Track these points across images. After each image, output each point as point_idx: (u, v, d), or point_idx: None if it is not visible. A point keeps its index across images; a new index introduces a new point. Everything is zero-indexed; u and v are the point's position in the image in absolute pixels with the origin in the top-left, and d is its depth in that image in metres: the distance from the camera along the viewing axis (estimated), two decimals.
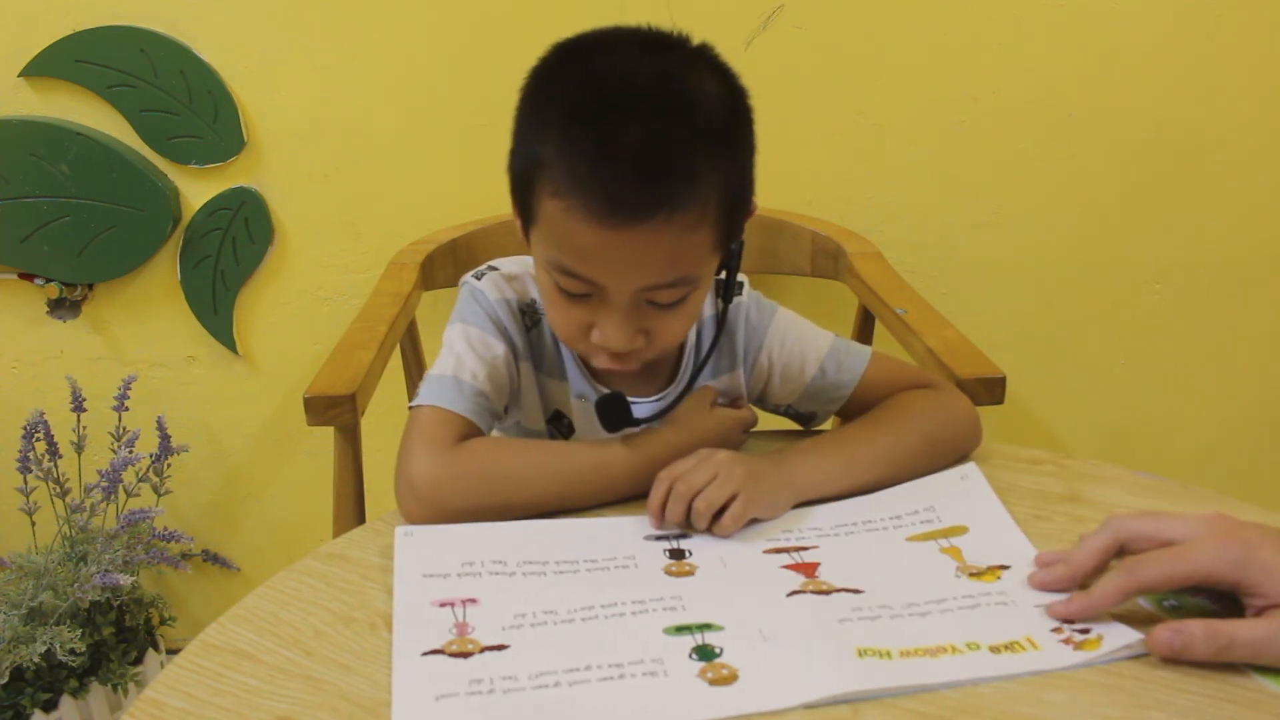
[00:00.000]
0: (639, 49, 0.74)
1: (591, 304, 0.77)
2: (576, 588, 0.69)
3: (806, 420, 0.95)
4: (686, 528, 0.76)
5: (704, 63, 0.75)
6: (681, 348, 0.91)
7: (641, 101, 0.70)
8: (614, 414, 0.83)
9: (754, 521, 0.76)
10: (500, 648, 0.62)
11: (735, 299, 0.90)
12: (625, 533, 0.76)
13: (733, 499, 0.75)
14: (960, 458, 0.85)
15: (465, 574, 0.70)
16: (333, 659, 0.62)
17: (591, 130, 0.70)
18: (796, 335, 0.92)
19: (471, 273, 0.90)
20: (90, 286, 1.53)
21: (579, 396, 0.89)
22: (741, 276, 0.92)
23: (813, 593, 0.67)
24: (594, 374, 0.89)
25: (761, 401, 0.95)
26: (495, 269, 0.90)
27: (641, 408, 0.89)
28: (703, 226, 0.73)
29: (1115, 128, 1.48)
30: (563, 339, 0.84)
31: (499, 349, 0.86)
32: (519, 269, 0.90)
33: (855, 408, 0.90)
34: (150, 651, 1.50)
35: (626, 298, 0.75)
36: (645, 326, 0.77)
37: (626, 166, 0.69)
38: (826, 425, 0.95)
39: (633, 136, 0.69)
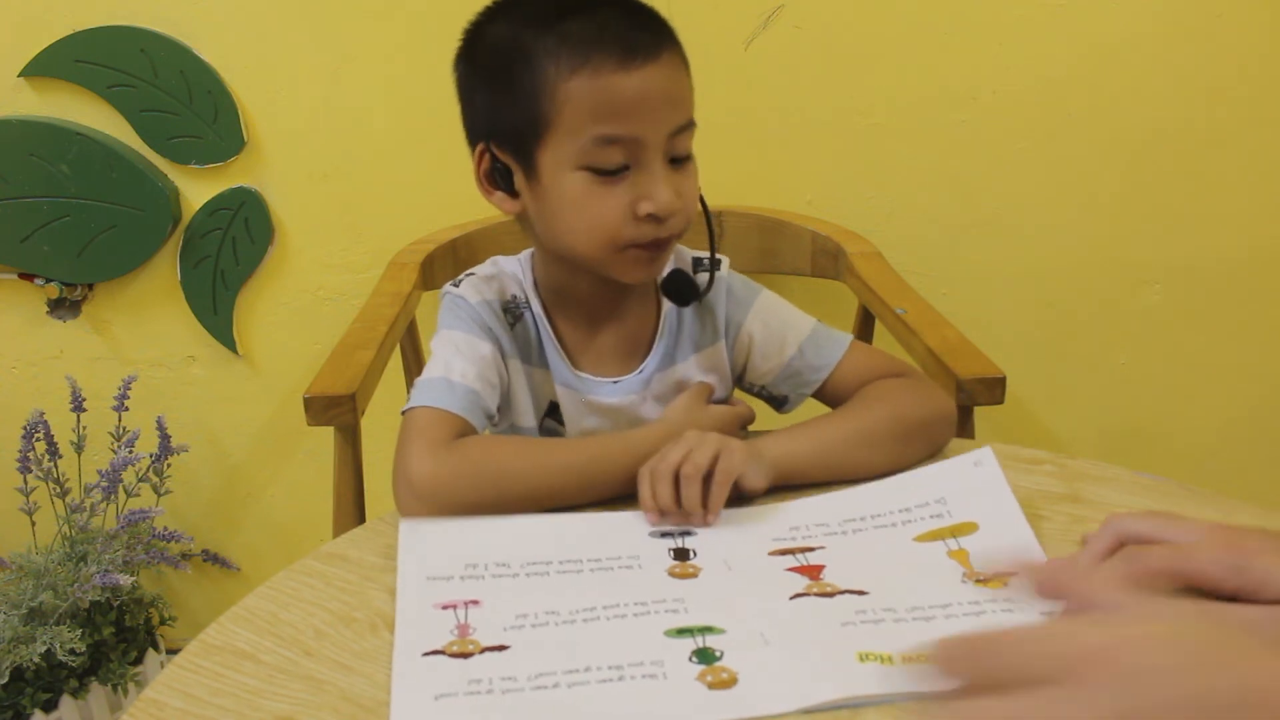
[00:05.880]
0: None
1: (628, 179, 0.80)
2: (579, 587, 0.69)
3: (779, 404, 0.96)
4: (680, 516, 0.76)
5: None
6: (655, 323, 0.92)
7: None
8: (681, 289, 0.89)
9: (750, 504, 0.76)
10: (500, 648, 0.62)
11: (716, 274, 0.93)
12: (631, 530, 0.76)
13: (715, 461, 0.76)
14: (933, 446, 0.85)
15: (469, 576, 0.70)
16: (333, 659, 0.62)
17: (583, 14, 0.79)
18: (779, 316, 0.94)
19: (449, 282, 0.92)
20: (90, 286, 1.53)
21: (562, 384, 0.91)
22: (722, 255, 0.94)
23: (816, 595, 0.67)
24: (574, 361, 0.91)
25: (740, 380, 0.96)
26: (471, 274, 0.92)
27: (621, 385, 0.90)
28: (689, 74, 0.83)
29: (1115, 128, 1.48)
30: (606, 239, 0.82)
31: (485, 349, 0.87)
32: (493, 269, 0.93)
33: (831, 395, 0.92)
34: (150, 651, 1.50)
35: (661, 148, 0.80)
36: (676, 188, 0.81)
37: (624, 23, 0.80)
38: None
39: (609, 10, 0.80)
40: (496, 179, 0.86)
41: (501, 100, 0.82)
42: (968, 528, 0.74)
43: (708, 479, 0.76)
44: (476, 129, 0.86)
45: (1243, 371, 1.61)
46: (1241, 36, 1.43)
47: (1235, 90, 1.46)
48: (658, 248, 0.83)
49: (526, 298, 0.91)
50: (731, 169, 1.45)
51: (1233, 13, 1.42)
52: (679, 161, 0.82)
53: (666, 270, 0.90)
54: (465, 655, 0.62)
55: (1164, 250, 1.54)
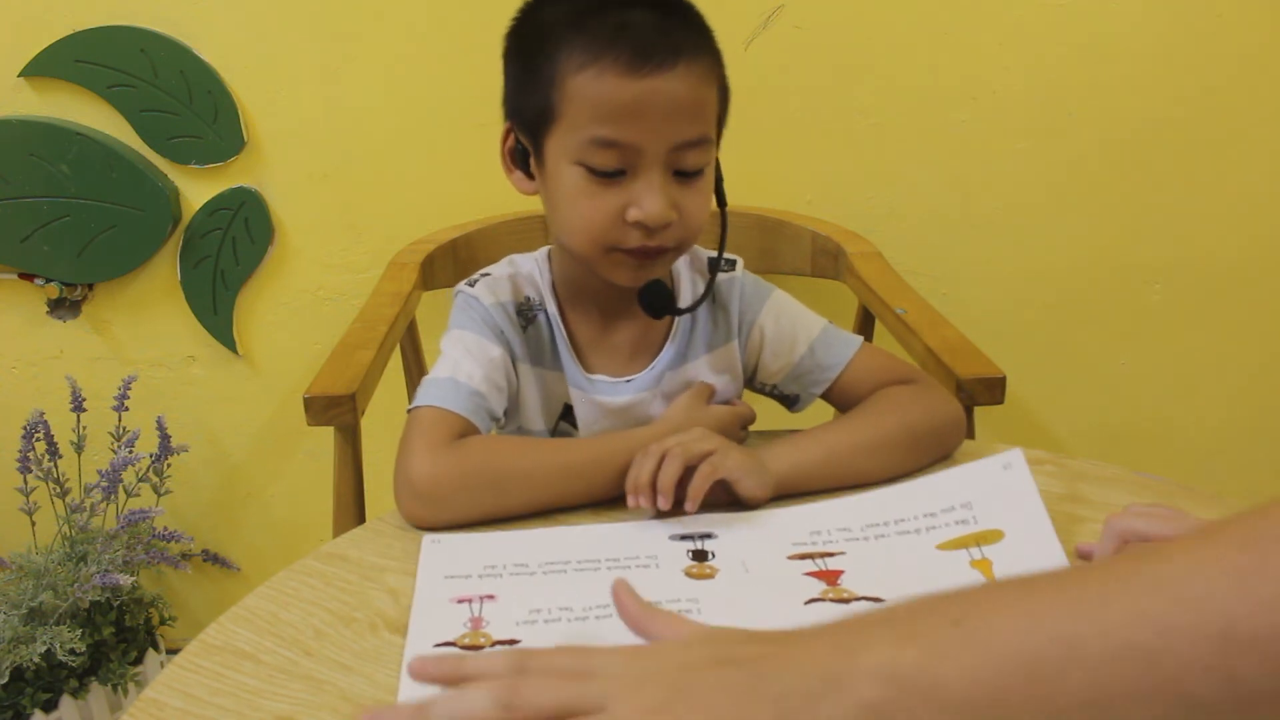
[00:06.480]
0: None
1: (624, 183, 0.79)
2: (595, 585, 0.69)
3: (790, 403, 0.96)
4: (651, 498, 0.75)
5: None
6: (669, 321, 0.92)
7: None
8: (656, 301, 0.87)
9: (773, 507, 0.76)
10: (511, 642, 0.63)
11: (730, 274, 0.93)
12: (652, 533, 0.76)
13: (707, 457, 0.76)
14: (943, 452, 0.85)
15: (487, 575, 0.71)
16: (333, 659, 0.63)
17: (606, 10, 0.78)
18: (790, 315, 0.94)
19: (464, 281, 0.92)
20: (90, 286, 1.53)
21: (575, 387, 0.90)
22: (736, 256, 0.95)
23: (831, 600, 0.66)
24: (587, 361, 0.91)
25: (751, 379, 0.96)
26: (487, 274, 0.92)
27: (633, 383, 0.90)
28: (712, 85, 0.81)
29: (1115, 128, 1.48)
30: (592, 239, 0.82)
31: (495, 352, 0.86)
32: (509, 269, 0.92)
33: (840, 397, 0.91)
34: (150, 651, 1.50)
35: (661, 158, 0.79)
36: (675, 201, 0.80)
37: (644, 25, 0.78)
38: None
39: (640, 10, 0.79)
40: (518, 158, 0.87)
41: (524, 82, 0.83)
42: (993, 535, 0.73)
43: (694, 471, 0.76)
44: (507, 105, 0.87)
45: (1243, 371, 1.61)
46: (1241, 36, 1.43)
47: (1234, 90, 1.46)
48: (646, 255, 0.82)
49: (541, 298, 0.91)
50: (731, 169, 1.44)
51: (1233, 13, 1.42)
52: (686, 175, 0.81)
53: (689, 277, 0.90)
54: (476, 648, 0.62)
55: (1164, 250, 1.54)
